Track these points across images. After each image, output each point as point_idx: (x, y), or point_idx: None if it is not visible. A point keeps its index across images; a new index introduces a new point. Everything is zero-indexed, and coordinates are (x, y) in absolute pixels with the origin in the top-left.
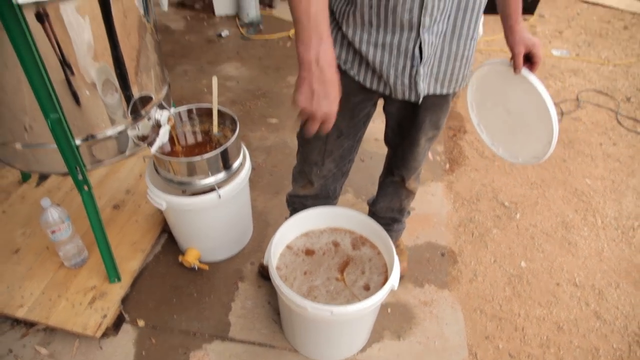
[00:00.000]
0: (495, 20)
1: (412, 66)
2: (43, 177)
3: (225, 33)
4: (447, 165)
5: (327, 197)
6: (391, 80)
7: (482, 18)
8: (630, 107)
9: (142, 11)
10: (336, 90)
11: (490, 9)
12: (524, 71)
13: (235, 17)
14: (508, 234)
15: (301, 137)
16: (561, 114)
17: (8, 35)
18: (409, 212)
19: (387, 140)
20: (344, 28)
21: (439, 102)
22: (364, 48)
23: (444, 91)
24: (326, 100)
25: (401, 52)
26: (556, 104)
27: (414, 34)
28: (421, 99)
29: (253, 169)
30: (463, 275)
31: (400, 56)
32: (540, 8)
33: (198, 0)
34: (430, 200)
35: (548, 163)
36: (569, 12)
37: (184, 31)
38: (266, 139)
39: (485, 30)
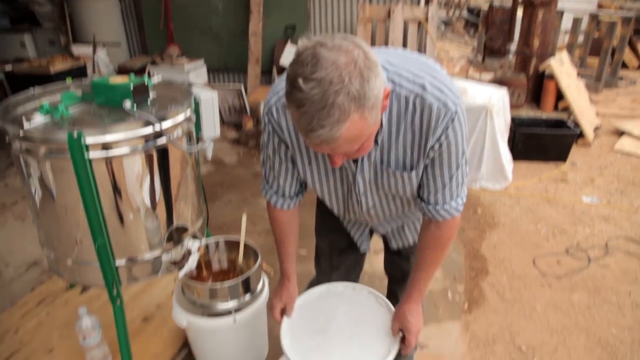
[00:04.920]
0: (527, 166)
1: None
2: (86, 286)
3: None
4: (466, 305)
5: None
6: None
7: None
8: None
9: (186, 151)
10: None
11: (522, 156)
12: None
13: None
14: None
15: (316, 251)
16: (588, 260)
17: (76, 177)
18: (415, 347)
19: (385, 266)
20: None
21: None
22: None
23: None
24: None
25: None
26: (584, 250)
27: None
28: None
29: None
30: None
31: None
32: (572, 156)
33: (252, 138)
34: (445, 339)
35: (571, 310)
36: (601, 160)
37: (235, 165)
38: None
39: (516, 176)
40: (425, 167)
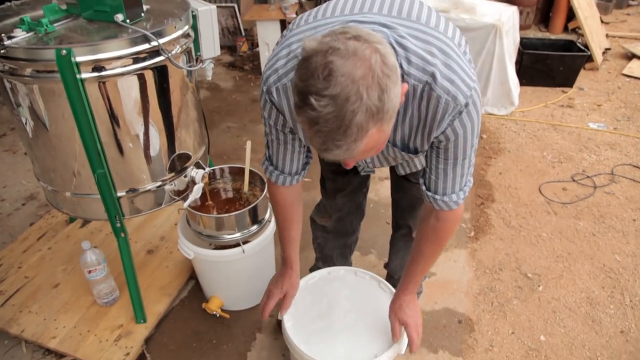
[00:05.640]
0: (532, 91)
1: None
2: (87, 220)
3: None
4: (472, 233)
5: (345, 234)
6: None
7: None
8: None
9: (186, 74)
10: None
11: (528, 80)
12: None
13: None
14: (529, 306)
15: (320, 174)
16: (594, 187)
17: (69, 100)
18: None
19: (392, 193)
20: None
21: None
22: None
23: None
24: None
25: None
26: (589, 177)
27: None
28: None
29: None
30: (479, 344)
31: None
32: (579, 81)
33: (247, 62)
34: (451, 267)
35: (576, 237)
36: (609, 85)
37: (232, 90)
38: None
39: (521, 101)
40: (430, 151)
